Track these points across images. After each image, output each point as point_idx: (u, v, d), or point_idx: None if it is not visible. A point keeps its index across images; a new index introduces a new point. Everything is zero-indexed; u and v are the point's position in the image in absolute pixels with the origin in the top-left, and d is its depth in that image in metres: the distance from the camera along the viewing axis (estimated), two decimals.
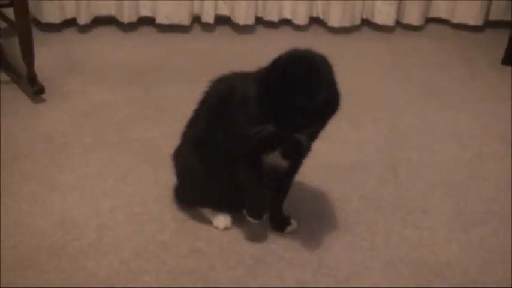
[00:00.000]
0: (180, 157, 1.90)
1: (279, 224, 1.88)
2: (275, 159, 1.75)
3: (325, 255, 1.81)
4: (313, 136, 1.74)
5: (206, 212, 1.91)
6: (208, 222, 1.90)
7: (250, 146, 1.69)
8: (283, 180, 1.85)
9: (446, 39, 3.35)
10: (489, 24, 3.44)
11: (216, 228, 1.88)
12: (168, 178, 1.98)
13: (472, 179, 2.20)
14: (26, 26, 2.45)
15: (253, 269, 1.75)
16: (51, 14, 3.05)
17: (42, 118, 2.42)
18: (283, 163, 1.77)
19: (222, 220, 1.89)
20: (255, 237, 1.86)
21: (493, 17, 3.43)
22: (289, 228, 1.88)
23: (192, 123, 1.88)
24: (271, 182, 1.81)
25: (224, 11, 3.25)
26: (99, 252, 1.79)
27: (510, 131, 2.50)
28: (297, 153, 1.77)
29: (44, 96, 2.52)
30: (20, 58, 2.50)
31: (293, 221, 1.89)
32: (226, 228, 1.88)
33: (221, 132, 1.76)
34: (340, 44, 3.23)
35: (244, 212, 1.81)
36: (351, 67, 2.99)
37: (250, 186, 1.80)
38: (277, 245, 1.83)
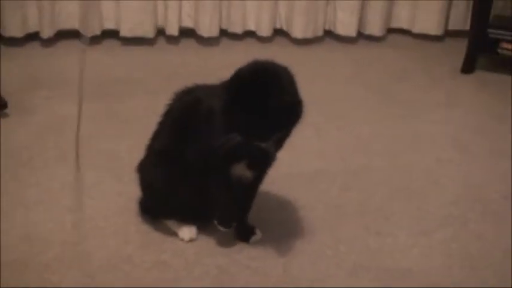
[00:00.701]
0: (144, 170, 1.91)
1: (244, 234, 1.90)
2: (240, 170, 1.77)
3: (290, 263, 1.83)
4: (279, 145, 1.77)
5: (171, 224, 1.92)
6: (173, 234, 1.91)
7: (217, 157, 1.71)
8: (248, 190, 1.87)
9: (407, 49, 3.42)
10: (448, 34, 3.53)
11: (182, 240, 1.89)
12: (132, 190, 1.99)
13: (432, 185, 2.25)
14: None
15: (219, 280, 1.76)
16: (13, 28, 3.03)
17: (5, 133, 2.39)
18: (248, 174, 1.79)
19: (187, 232, 1.89)
20: (220, 248, 1.87)
21: (452, 26, 3.52)
22: (254, 238, 1.90)
23: (156, 135, 1.89)
24: (236, 192, 1.83)
25: (188, 23, 3.27)
26: (63, 266, 1.78)
27: (467, 137, 2.56)
28: (263, 164, 1.80)
29: (6, 111, 2.50)
30: None
31: (258, 231, 1.91)
32: (191, 240, 1.89)
33: (187, 146, 1.78)
34: (303, 55, 3.27)
35: (215, 222, 1.84)
36: (315, 77, 3.04)
37: (220, 197, 1.83)
38: (242, 255, 1.85)
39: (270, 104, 1.59)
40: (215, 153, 1.70)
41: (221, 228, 1.84)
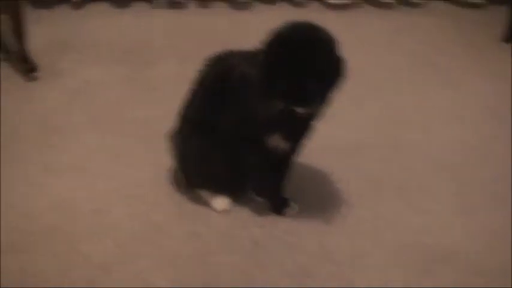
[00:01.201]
0: (177, 138, 1.84)
1: (279, 207, 1.84)
2: (276, 141, 1.70)
3: (326, 238, 1.77)
4: (319, 112, 1.68)
5: (204, 194, 1.86)
6: (207, 204, 1.85)
7: (254, 127, 1.64)
8: (284, 162, 1.80)
9: (447, 17, 3.29)
10: (491, 1, 3.38)
11: (215, 210, 1.83)
12: (163, 159, 1.93)
13: (474, 160, 2.15)
14: (17, 3, 2.37)
15: (253, 253, 1.71)
16: None
17: (34, 97, 2.35)
18: (283, 144, 1.71)
19: (220, 202, 1.84)
20: (254, 220, 1.81)
21: None
22: (289, 211, 1.83)
23: (188, 104, 1.81)
24: (271, 163, 1.77)
25: None
26: (94, 235, 1.74)
27: (510, 111, 2.45)
28: (299, 134, 1.72)
29: (36, 74, 2.45)
30: (11, 35, 2.43)
31: (293, 204, 1.84)
32: (225, 211, 1.83)
33: (220, 115, 1.70)
34: (339, 21, 3.16)
35: (251, 191, 1.79)
36: (351, 45, 2.90)
37: (255, 166, 1.76)
38: (277, 229, 1.79)
39: (313, 65, 1.51)
40: (253, 123, 1.63)
41: (257, 198, 1.79)
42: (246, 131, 1.67)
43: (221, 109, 1.70)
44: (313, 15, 3.14)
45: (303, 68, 1.50)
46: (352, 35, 3.03)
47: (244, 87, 1.63)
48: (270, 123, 1.64)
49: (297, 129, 1.71)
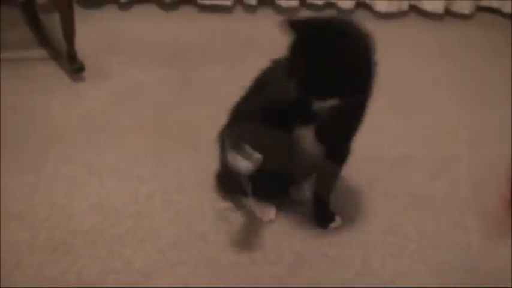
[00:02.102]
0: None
1: (323, 220, 1.81)
2: (309, 141, 1.64)
3: (370, 254, 1.73)
4: (351, 124, 1.64)
5: (249, 202, 1.84)
6: (251, 213, 1.83)
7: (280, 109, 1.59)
8: (327, 174, 1.77)
9: (497, 29, 3.20)
10: None
11: (261, 220, 1.81)
12: (207, 164, 1.92)
13: None
14: (67, 2, 2.39)
15: (295, 266, 1.68)
16: None
17: (81, 97, 2.37)
18: (316, 147, 1.66)
19: (267, 212, 1.82)
20: (298, 232, 1.78)
21: None
22: (333, 225, 1.81)
23: (239, 103, 1.78)
24: (310, 172, 1.76)
25: None
26: (136, 239, 1.74)
27: None
28: (331, 137, 1.66)
29: (83, 74, 2.46)
30: (60, 34, 2.45)
31: (337, 218, 1.81)
32: (270, 221, 1.81)
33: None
34: (386, 30, 3.10)
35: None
36: (398, 55, 2.88)
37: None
38: (320, 242, 1.76)
39: (338, 59, 1.46)
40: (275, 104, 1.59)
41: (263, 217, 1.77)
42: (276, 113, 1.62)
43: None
44: (360, 23, 3.13)
45: (327, 58, 1.45)
46: (399, 45, 2.98)
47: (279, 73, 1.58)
48: (294, 110, 1.59)
49: (326, 131, 1.64)
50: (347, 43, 1.48)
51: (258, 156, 1.57)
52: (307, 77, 1.49)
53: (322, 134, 1.64)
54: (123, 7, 3.05)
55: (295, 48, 1.50)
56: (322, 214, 1.81)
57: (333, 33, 1.48)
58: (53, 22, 2.58)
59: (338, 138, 1.68)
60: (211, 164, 1.90)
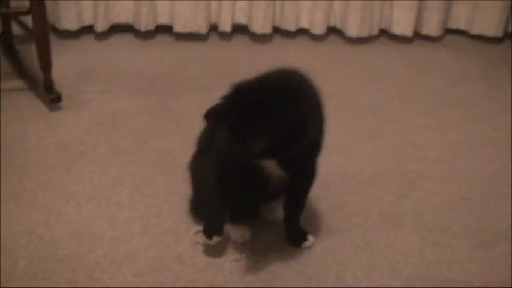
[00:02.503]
0: (194, 167, 1.88)
1: (296, 239, 1.85)
2: (271, 167, 1.70)
3: (343, 271, 1.78)
4: (309, 154, 1.71)
5: (224, 226, 1.88)
6: (226, 236, 1.87)
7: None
8: (296, 193, 1.82)
9: (465, 51, 3.31)
10: (509, 36, 3.40)
11: (235, 242, 1.85)
12: (184, 189, 1.97)
13: (492, 195, 2.16)
14: (43, 33, 2.45)
15: (270, 285, 1.72)
16: (68, 21, 3.04)
17: (58, 126, 2.41)
18: (279, 172, 1.71)
19: (240, 234, 1.86)
20: (273, 252, 1.83)
21: None
22: (305, 244, 1.85)
23: (204, 130, 1.85)
24: (278, 193, 1.80)
25: (241, 19, 3.23)
26: (113, 264, 1.77)
27: None
28: (295, 165, 1.71)
29: (60, 104, 2.51)
30: (37, 65, 2.50)
31: (310, 237, 1.86)
32: (245, 242, 1.85)
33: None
34: (357, 55, 3.20)
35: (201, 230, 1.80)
36: (368, 78, 2.97)
37: (215, 199, 1.77)
38: (294, 261, 1.81)
39: (270, 125, 1.52)
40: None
41: (204, 239, 1.78)
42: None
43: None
44: (332, 48, 3.22)
45: (261, 124, 1.52)
46: (369, 68, 3.07)
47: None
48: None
49: (286, 161, 1.69)
50: (282, 103, 1.54)
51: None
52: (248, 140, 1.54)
53: (283, 164, 1.70)
54: (100, 37, 3.11)
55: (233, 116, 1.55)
56: (295, 234, 1.86)
57: (268, 99, 1.54)
58: (30, 53, 2.63)
59: (299, 165, 1.73)
60: (187, 189, 1.95)
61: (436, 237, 1.94)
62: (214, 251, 1.82)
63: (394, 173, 2.25)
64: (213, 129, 1.62)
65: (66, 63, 2.82)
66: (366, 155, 2.34)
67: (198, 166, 1.87)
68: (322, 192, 2.03)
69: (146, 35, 3.13)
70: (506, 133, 2.56)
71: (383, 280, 1.76)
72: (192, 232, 1.88)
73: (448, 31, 3.43)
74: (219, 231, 1.78)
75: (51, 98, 2.48)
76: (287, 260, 1.81)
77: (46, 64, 2.48)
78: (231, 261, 1.79)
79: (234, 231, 1.86)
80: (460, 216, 2.04)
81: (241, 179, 1.73)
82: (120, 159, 2.23)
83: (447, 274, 1.80)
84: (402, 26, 3.30)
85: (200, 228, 1.85)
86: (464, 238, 1.94)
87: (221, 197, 1.78)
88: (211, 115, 1.59)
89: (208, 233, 1.78)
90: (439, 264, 1.83)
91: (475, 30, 3.39)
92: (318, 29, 3.27)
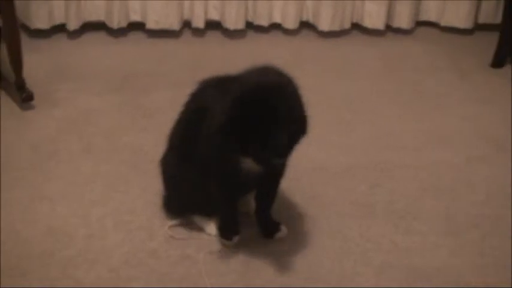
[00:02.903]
0: (165, 163, 1.89)
1: (268, 230, 1.87)
2: (247, 164, 1.71)
3: (316, 260, 1.80)
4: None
5: (197, 219, 1.90)
6: (198, 228, 1.88)
7: (221, 165, 1.70)
8: (268, 185, 1.84)
9: (436, 43, 3.35)
10: (478, 27, 3.45)
11: (209, 235, 1.86)
12: (157, 185, 1.97)
13: (462, 183, 2.20)
14: (14, 32, 2.43)
15: (245, 275, 1.74)
16: (39, 20, 3.03)
17: (30, 125, 2.40)
18: (255, 167, 1.71)
19: (214, 227, 1.87)
20: (246, 243, 1.84)
21: (482, 19, 3.43)
22: (278, 234, 1.87)
23: (175, 127, 1.86)
24: (252, 185, 1.81)
25: (214, 15, 3.24)
26: (87, 260, 1.77)
27: (499, 134, 2.50)
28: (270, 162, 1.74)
29: (32, 103, 2.50)
30: (8, 64, 2.48)
31: (283, 227, 1.88)
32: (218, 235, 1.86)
33: (196, 143, 1.75)
34: (330, 48, 3.22)
35: (217, 235, 1.83)
36: (341, 71, 2.99)
37: (220, 206, 1.82)
38: (267, 251, 1.82)
39: (273, 128, 1.55)
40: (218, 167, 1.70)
41: (223, 241, 1.82)
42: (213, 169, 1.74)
43: (196, 138, 1.75)
44: (305, 42, 3.24)
45: (262, 128, 1.55)
46: (342, 61, 3.10)
47: (213, 133, 1.65)
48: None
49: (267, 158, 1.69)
50: (283, 107, 1.57)
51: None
52: (251, 147, 1.58)
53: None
54: (72, 36, 3.10)
55: (232, 123, 1.57)
56: (268, 225, 1.87)
57: (266, 104, 1.56)
58: (2, 53, 2.61)
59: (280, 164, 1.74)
60: (158, 185, 1.95)
61: (407, 224, 1.97)
62: (188, 245, 1.83)
63: (367, 163, 2.28)
64: (227, 143, 1.61)
65: (38, 62, 2.81)
66: (340, 147, 2.36)
67: (169, 163, 1.88)
68: (296, 184, 2.05)
69: (118, 33, 3.13)
70: (476, 122, 2.61)
71: (355, 268, 1.78)
72: (166, 226, 1.88)
73: (419, 23, 3.47)
74: (236, 230, 1.83)
75: (23, 97, 2.47)
76: (261, 251, 1.83)
77: (17, 63, 2.46)
78: (205, 254, 1.80)
79: (208, 224, 1.88)
80: (431, 204, 2.08)
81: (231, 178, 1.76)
82: (92, 156, 2.23)
83: (418, 261, 1.82)
84: (374, 19, 3.33)
85: (175, 222, 1.86)
86: (434, 225, 1.97)
87: (226, 199, 1.81)
88: (222, 131, 1.60)
89: (226, 235, 1.82)
90: (410, 251, 1.86)
91: (445, 22, 3.43)
92: (291, 24, 3.29)
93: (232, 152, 1.63)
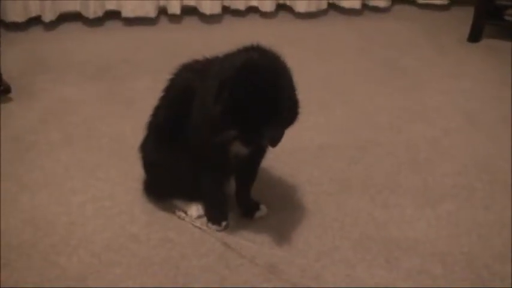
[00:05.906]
0: (146, 148, 1.90)
1: (248, 210, 1.89)
2: (235, 147, 1.74)
3: (296, 237, 1.83)
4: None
5: (178, 202, 1.91)
6: (180, 212, 1.90)
7: (211, 147, 1.69)
8: (249, 165, 1.86)
9: (412, 20, 3.38)
10: (454, 3, 3.48)
11: (190, 217, 1.88)
12: (137, 171, 1.98)
13: (438, 156, 2.23)
14: None
15: (225, 256, 1.76)
16: (15, 13, 3.02)
17: (9, 117, 2.40)
18: (243, 150, 1.75)
19: (195, 209, 1.89)
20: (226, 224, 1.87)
21: None
22: (258, 214, 1.89)
23: (156, 111, 1.87)
24: (235, 167, 1.82)
25: (190, 1, 3.24)
26: (69, 247, 1.79)
27: (475, 107, 2.53)
28: (257, 142, 1.75)
29: (10, 95, 2.50)
30: None
31: (262, 207, 1.90)
32: (199, 217, 1.88)
33: (182, 125, 1.76)
34: (307, 29, 3.24)
35: (206, 221, 1.85)
36: (319, 52, 3.01)
37: (209, 192, 1.84)
38: (247, 231, 1.84)
39: (272, 106, 1.57)
40: (209, 145, 1.68)
41: (212, 227, 1.84)
42: (205, 149, 1.73)
43: (182, 121, 1.76)
44: (282, 25, 3.25)
45: (259, 105, 1.56)
46: (320, 42, 3.11)
47: (203, 111, 1.66)
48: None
49: (254, 139, 1.71)
50: (280, 84, 1.60)
51: None
52: (250, 125, 1.58)
53: (251, 141, 1.71)
54: (48, 27, 3.10)
55: (231, 102, 1.56)
56: (248, 205, 1.89)
57: (265, 82, 1.57)
58: None
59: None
60: (138, 171, 1.97)
61: (384, 198, 2.00)
62: (168, 228, 1.85)
63: (345, 141, 2.30)
64: (226, 129, 1.61)
65: (15, 54, 2.81)
66: (318, 127, 2.38)
67: (150, 148, 1.89)
68: (274, 163, 2.07)
69: (95, 22, 3.13)
70: (453, 96, 2.64)
71: (334, 242, 1.81)
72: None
73: (396, 1, 3.49)
74: (225, 216, 1.85)
75: (0, 90, 2.47)
76: (240, 230, 1.85)
77: None
78: (185, 236, 1.82)
79: (189, 206, 1.90)
80: (407, 177, 2.10)
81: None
82: (72, 146, 2.24)
83: (396, 233, 1.85)
84: None
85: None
86: (411, 198, 2.00)
87: (215, 186, 1.83)
88: (222, 119, 1.59)
89: (215, 220, 1.84)
90: (388, 224, 1.89)
91: None
92: (268, 7, 3.30)
93: (227, 134, 1.62)
